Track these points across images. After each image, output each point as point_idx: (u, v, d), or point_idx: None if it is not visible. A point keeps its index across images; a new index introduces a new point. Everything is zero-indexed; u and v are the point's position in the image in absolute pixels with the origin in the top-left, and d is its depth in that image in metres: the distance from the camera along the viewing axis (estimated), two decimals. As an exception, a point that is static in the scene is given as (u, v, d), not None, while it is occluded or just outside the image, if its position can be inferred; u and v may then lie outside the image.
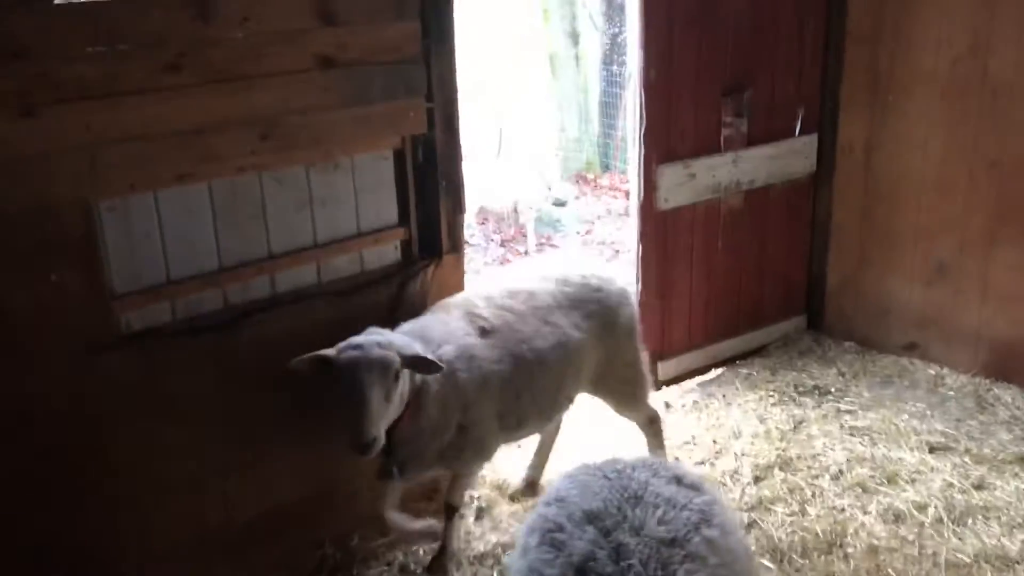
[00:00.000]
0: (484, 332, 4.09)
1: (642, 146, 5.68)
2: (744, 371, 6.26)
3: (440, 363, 3.70)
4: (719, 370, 6.32)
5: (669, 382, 6.15)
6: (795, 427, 5.49)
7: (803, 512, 4.67)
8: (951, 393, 5.85)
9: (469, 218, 9.34)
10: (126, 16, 3.47)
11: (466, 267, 4.86)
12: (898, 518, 4.61)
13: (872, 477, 4.94)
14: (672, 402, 5.93)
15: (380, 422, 3.54)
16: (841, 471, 5.00)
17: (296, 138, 3.99)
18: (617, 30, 11.57)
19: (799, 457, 5.14)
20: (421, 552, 4.44)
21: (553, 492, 2.79)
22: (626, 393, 4.83)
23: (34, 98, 3.32)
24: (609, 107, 11.94)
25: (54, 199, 3.46)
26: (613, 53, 11.74)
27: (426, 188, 4.51)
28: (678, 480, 2.71)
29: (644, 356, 4.88)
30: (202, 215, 3.90)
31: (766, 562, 4.28)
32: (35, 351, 3.51)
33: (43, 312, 3.50)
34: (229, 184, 3.93)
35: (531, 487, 4.98)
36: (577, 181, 11.95)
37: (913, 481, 4.89)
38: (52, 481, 3.64)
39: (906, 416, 5.55)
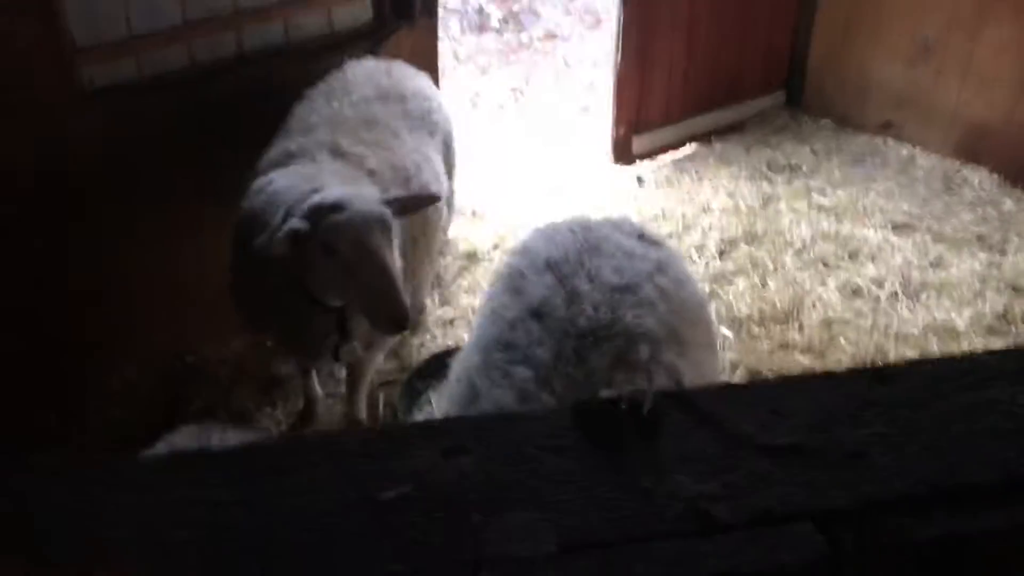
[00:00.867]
0: (372, 173, 3.43)
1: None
2: (719, 147, 6.26)
3: (435, 193, 3.34)
4: (693, 145, 6.32)
5: (643, 156, 6.15)
6: (764, 203, 5.57)
7: (764, 284, 4.82)
8: (920, 173, 5.91)
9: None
10: None
11: (443, 33, 4.70)
12: (855, 293, 4.78)
13: (834, 253, 5.07)
14: (645, 176, 5.95)
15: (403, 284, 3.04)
16: (804, 246, 5.13)
17: None
18: None
19: (765, 233, 5.25)
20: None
21: (520, 243, 2.88)
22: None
23: None
24: None
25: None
26: None
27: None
28: (639, 236, 2.78)
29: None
30: (162, -36, 3.72)
31: (724, 330, 4.45)
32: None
33: (3, 65, 3.39)
34: (190, -70, 3.72)
35: None
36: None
37: (873, 258, 5.03)
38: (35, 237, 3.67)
39: (873, 195, 5.63)
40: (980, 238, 5.20)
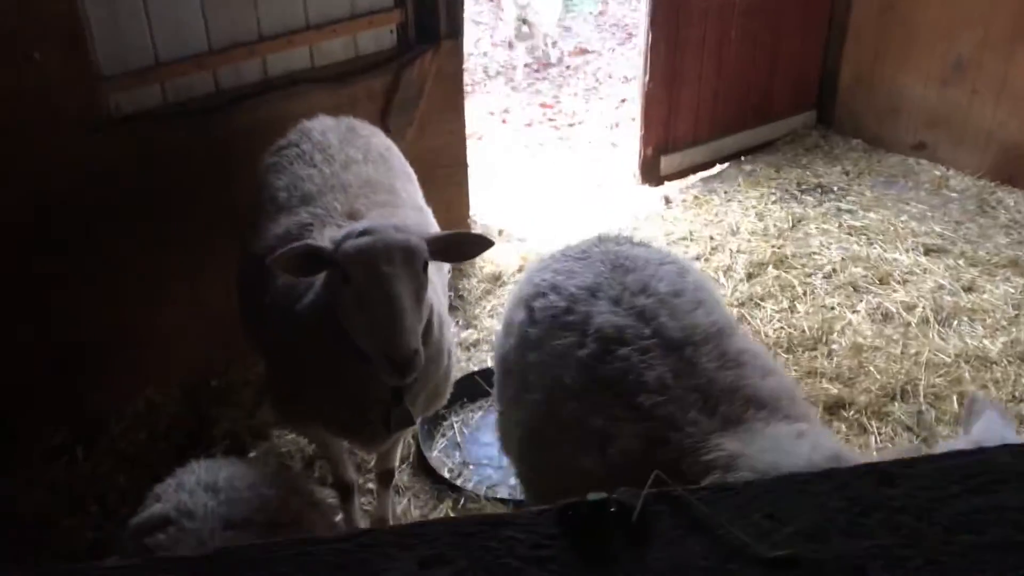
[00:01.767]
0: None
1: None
2: (748, 167, 6.20)
3: (487, 237, 2.89)
4: (723, 166, 6.25)
5: (671, 176, 6.10)
6: (793, 225, 5.50)
7: (792, 309, 4.76)
8: (954, 195, 5.81)
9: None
10: None
11: (474, 48, 4.69)
12: (886, 318, 4.70)
13: (864, 277, 4.99)
14: (672, 197, 5.90)
15: (418, 328, 2.64)
16: (835, 270, 5.05)
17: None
18: None
19: (794, 255, 5.18)
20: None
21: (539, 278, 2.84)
22: None
23: None
24: None
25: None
26: None
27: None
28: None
29: None
30: (188, -8, 3.74)
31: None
32: (27, 132, 3.46)
33: (30, 92, 3.42)
34: (215, -40, 3.75)
35: None
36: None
37: (905, 282, 4.94)
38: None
39: (906, 217, 5.54)
40: (1015, 262, 5.09)
